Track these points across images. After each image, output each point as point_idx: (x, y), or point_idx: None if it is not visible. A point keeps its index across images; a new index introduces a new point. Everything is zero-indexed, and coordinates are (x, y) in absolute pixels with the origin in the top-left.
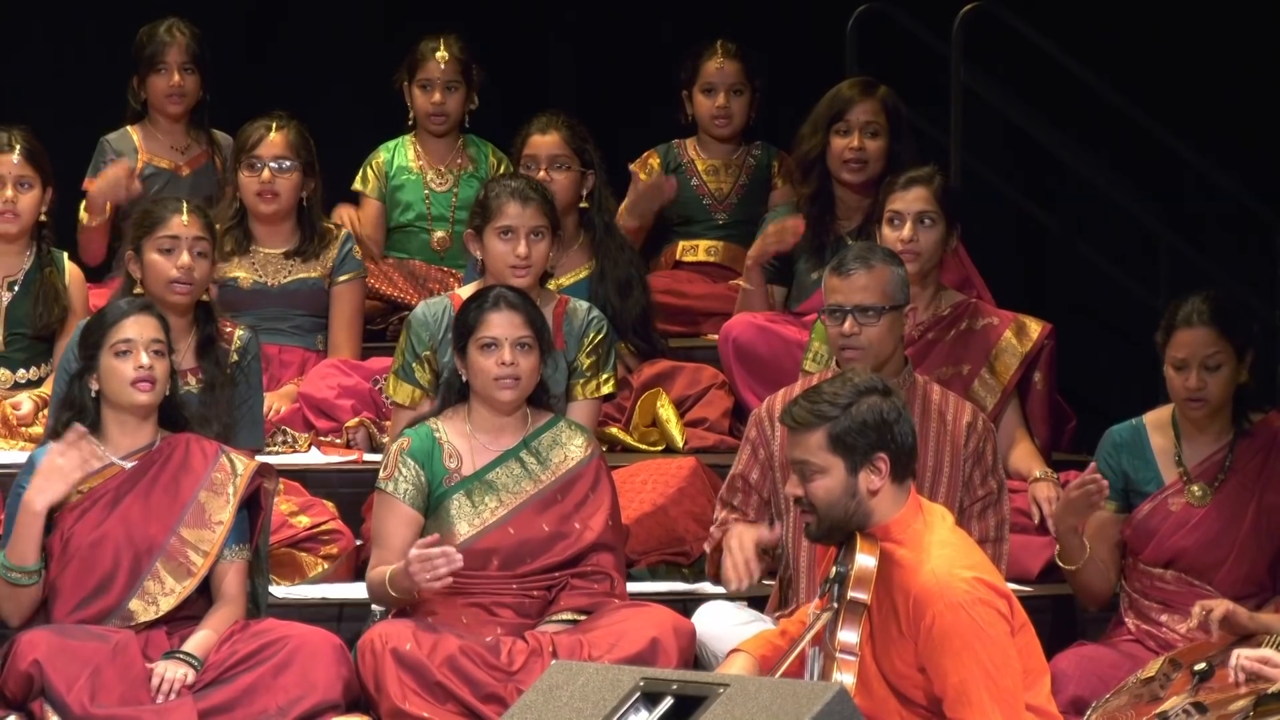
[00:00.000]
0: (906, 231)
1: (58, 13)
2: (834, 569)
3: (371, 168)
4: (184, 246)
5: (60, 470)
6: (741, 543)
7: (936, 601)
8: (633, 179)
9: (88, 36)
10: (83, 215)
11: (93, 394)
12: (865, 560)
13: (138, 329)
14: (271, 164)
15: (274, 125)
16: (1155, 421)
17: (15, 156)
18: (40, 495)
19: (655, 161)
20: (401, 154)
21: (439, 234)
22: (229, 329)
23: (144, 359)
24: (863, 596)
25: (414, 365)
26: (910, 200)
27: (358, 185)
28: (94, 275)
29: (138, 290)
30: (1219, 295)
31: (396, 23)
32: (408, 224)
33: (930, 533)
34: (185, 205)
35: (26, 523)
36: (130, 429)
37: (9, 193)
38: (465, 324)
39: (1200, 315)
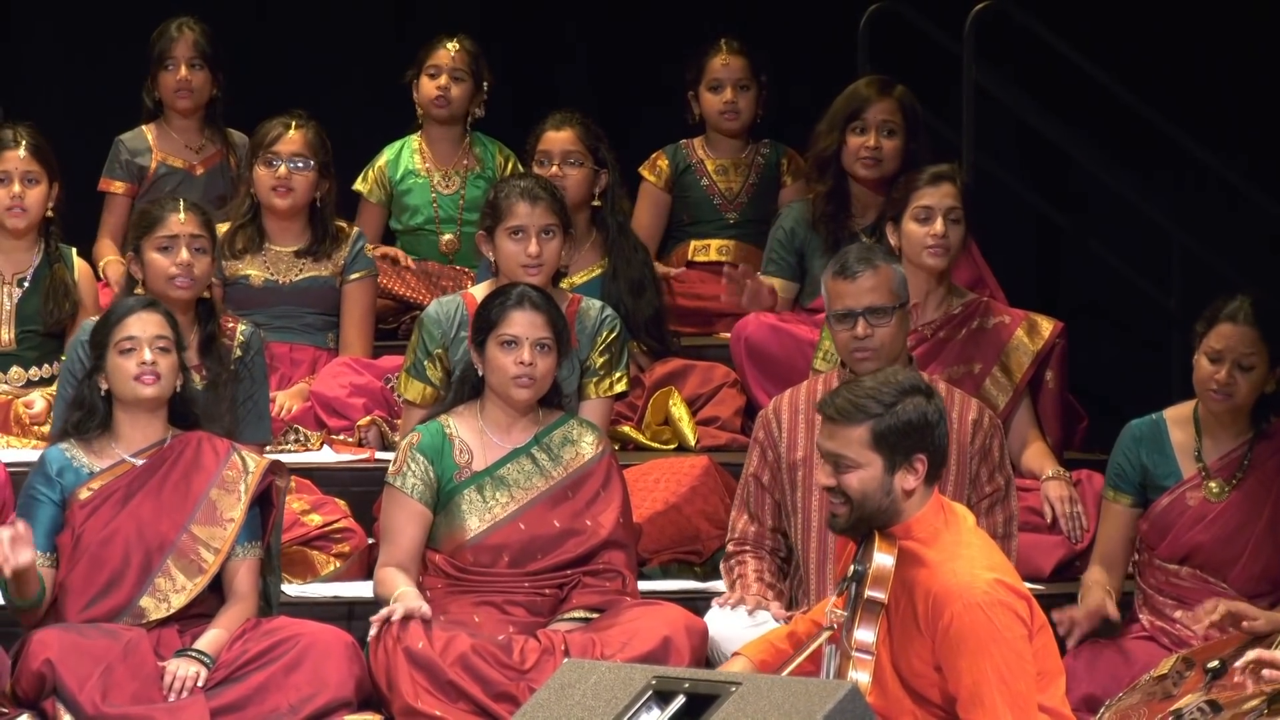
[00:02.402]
0: (939, 227)
1: (70, 12)
2: (852, 567)
3: (373, 171)
4: (182, 244)
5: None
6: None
7: (955, 601)
8: (642, 186)
9: (101, 36)
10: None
11: (102, 393)
12: (883, 559)
13: (141, 326)
14: (289, 162)
15: (293, 123)
16: (1176, 417)
17: (21, 152)
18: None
19: (664, 162)
20: (407, 157)
21: (447, 236)
22: (231, 325)
23: (147, 355)
24: (880, 596)
25: (425, 363)
26: (941, 196)
27: (358, 186)
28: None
29: (139, 290)
30: (1269, 300)
31: (407, 23)
32: (417, 227)
33: (952, 532)
34: (182, 204)
35: (13, 574)
36: (141, 426)
37: (16, 188)
38: (487, 319)
39: (1245, 314)
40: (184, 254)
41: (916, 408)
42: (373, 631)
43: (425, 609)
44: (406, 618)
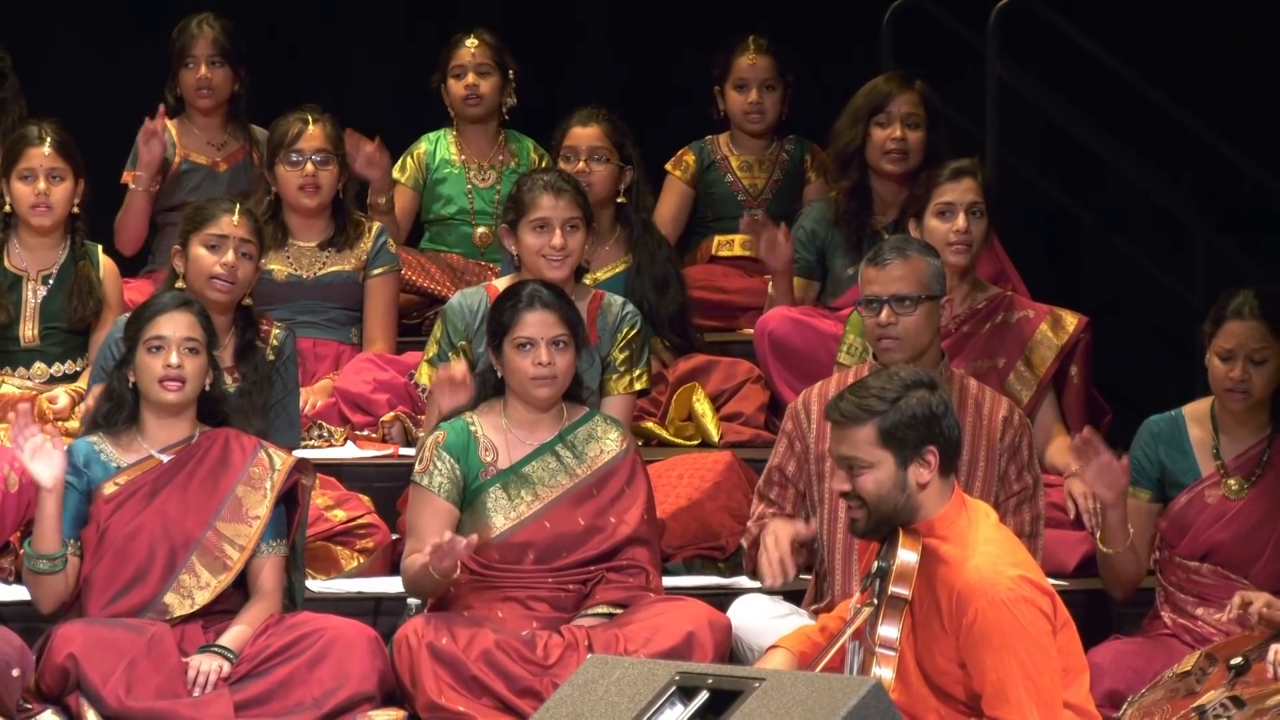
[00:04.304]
0: (961, 222)
1: (94, 6)
2: (875, 564)
3: (412, 157)
4: (230, 245)
5: (45, 451)
6: (777, 539)
7: (979, 598)
8: (667, 180)
9: (124, 31)
10: (128, 179)
11: (130, 385)
12: (907, 556)
13: (172, 326)
14: (314, 157)
15: (309, 119)
16: (1194, 414)
17: (46, 148)
18: (37, 474)
19: (690, 158)
20: (444, 147)
21: (481, 230)
22: (265, 327)
23: (174, 358)
24: (904, 592)
25: (449, 354)
26: (962, 191)
27: (395, 173)
28: (128, 269)
29: (180, 285)
30: (1272, 291)
31: (421, 21)
32: (449, 217)
33: (975, 529)
34: (237, 206)
35: (39, 504)
36: (168, 423)
37: (41, 185)
38: (500, 322)
39: (1252, 309)
40: (230, 255)
41: (920, 400)
42: (433, 549)
43: (473, 538)
44: (451, 546)
